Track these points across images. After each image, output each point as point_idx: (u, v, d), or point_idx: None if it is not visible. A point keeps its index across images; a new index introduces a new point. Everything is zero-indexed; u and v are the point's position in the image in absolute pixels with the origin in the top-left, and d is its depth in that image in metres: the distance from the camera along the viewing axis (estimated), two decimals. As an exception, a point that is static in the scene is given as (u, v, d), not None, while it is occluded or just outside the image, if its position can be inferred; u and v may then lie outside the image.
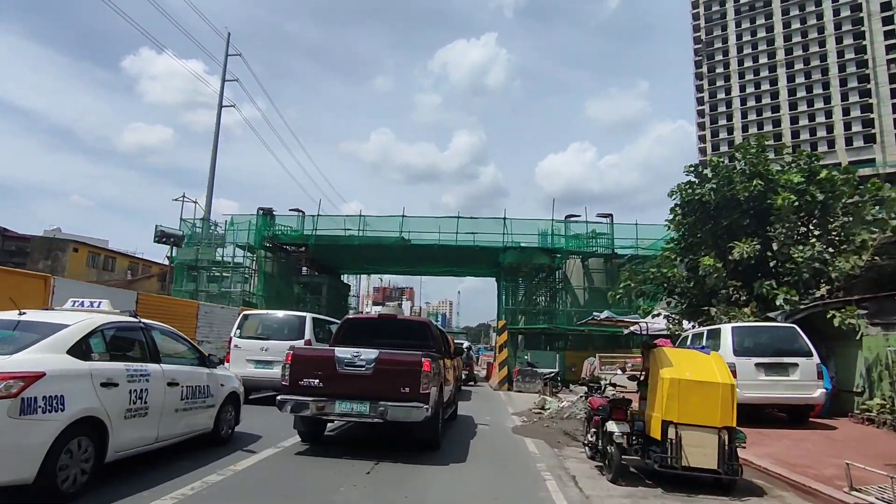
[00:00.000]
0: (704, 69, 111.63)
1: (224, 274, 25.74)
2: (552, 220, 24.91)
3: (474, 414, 12.52)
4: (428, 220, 25.68)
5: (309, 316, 12.22)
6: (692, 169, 14.51)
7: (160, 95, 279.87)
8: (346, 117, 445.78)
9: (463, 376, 23.49)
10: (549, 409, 13.09)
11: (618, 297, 15.28)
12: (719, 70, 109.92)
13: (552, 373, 20.34)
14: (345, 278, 35.90)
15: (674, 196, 14.38)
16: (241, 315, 12.44)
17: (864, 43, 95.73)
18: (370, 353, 7.44)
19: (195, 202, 25.91)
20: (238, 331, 12.06)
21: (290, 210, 26.99)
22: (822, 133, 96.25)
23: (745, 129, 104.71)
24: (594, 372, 22.59)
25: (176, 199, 25.19)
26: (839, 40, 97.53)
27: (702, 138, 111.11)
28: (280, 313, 12.90)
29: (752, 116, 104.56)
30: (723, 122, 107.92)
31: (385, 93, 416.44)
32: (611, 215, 26.20)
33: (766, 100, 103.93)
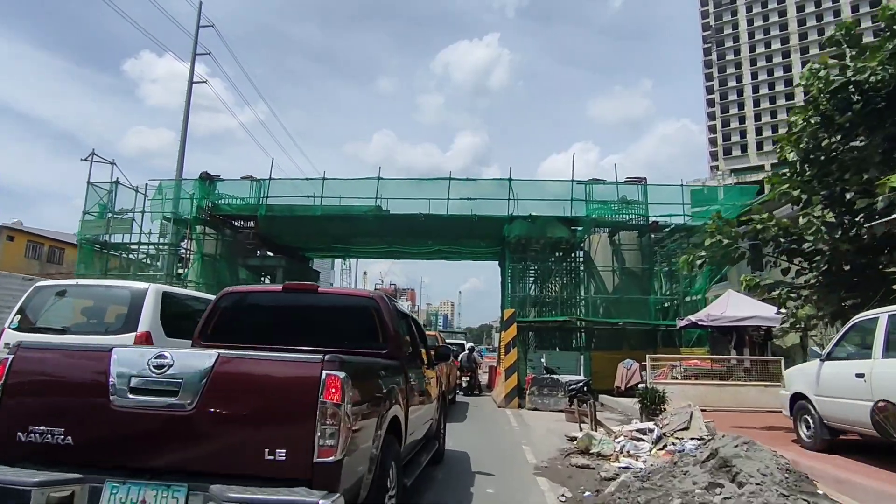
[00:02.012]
0: (714, 57, 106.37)
1: (149, 254, 20.14)
2: (572, 180, 19.20)
3: (469, 453, 7.21)
4: (410, 183, 20.00)
5: (154, 288, 6.51)
6: (844, 33, 8.80)
7: (162, 98, 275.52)
8: (348, 119, 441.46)
9: (464, 384, 17.92)
10: (597, 449, 7.37)
11: (697, 263, 9.56)
12: (729, 57, 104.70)
13: (580, 382, 14.60)
14: (321, 267, 30.19)
15: (808, 80, 8.67)
16: (32, 288, 6.68)
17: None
18: (195, 360, 3.11)
19: (112, 162, 20.13)
20: (18, 316, 6.35)
21: (243, 178, 21.31)
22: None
23: (757, 117, 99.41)
24: (632, 379, 16.87)
25: (85, 159, 19.53)
26: (857, 23, 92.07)
27: (712, 128, 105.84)
28: (101, 284, 7.36)
29: (765, 104, 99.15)
30: (734, 111, 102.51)
31: (387, 94, 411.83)
32: (644, 179, 20.47)
33: (781, 87, 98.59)
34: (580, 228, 19.18)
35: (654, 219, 18.85)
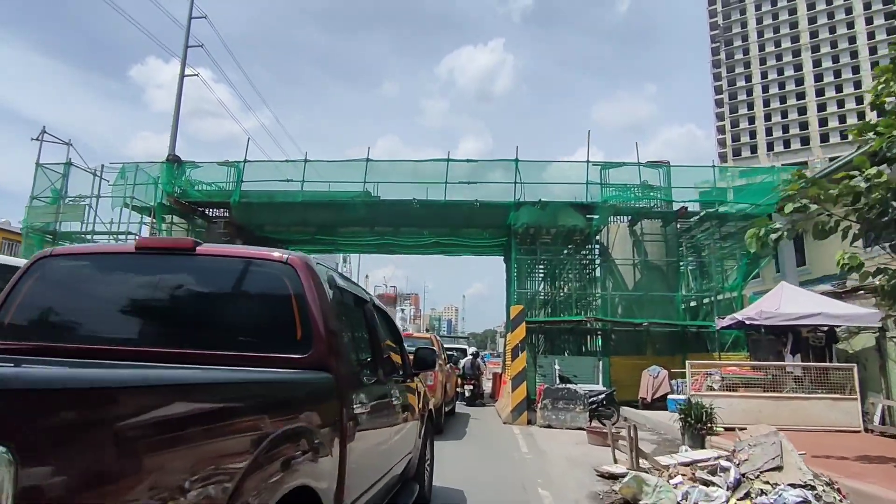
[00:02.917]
0: (722, 56, 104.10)
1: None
2: (587, 161, 16.84)
3: (466, 494, 5.79)
4: (404, 166, 17.67)
5: None
6: None
7: (168, 104, 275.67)
8: (353, 124, 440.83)
9: (467, 393, 16.05)
10: (651, 501, 4.98)
11: (772, 237, 7.17)
12: (738, 56, 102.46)
13: (601, 393, 12.20)
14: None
15: None
16: None
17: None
18: None
19: (68, 143, 17.85)
20: None
21: (218, 162, 19.04)
22: (852, 120, 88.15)
23: (767, 118, 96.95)
24: (660, 389, 14.46)
25: (35, 139, 17.29)
26: (869, 20, 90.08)
27: (720, 129, 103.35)
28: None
29: (774, 104, 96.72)
30: (743, 111, 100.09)
31: (392, 98, 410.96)
32: (667, 161, 18.10)
33: (791, 86, 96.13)
34: (596, 217, 16.78)
35: (682, 204, 16.44)
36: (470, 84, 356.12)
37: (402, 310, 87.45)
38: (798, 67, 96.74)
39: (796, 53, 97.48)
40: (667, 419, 12.19)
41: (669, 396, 14.12)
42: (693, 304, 17.37)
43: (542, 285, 18.88)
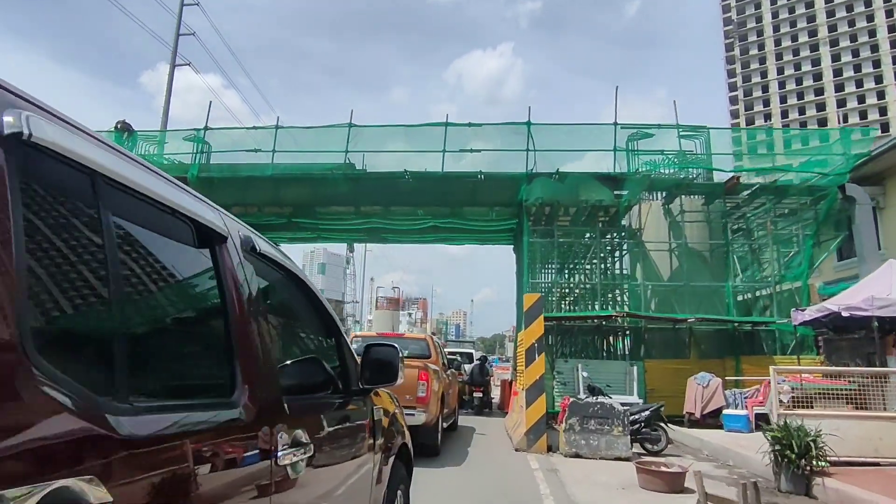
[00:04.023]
0: (736, 52, 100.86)
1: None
2: (615, 124, 13.88)
3: None
4: (394, 132, 14.77)
5: None
6: None
7: (178, 111, 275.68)
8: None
9: (476, 401, 14.38)
10: None
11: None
12: (753, 52, 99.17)
13: (646, 410, 9.23)
14: (296, 253, 25.03)
15: None
16: None
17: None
18: None
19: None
20: None
21: (181, 134, 16.25)
22: (874, 116, 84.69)
23: (784, 114, 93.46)
24: (711, 402, 11.48)
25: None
26: (889, 13, 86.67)
27: (734, 127, 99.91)
28: None
29: (791, 101, 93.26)
30: (759, 108, 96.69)
31: (400, 104, 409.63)
32: (704, 128, 15.12)
33: (808, 81, 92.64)
34: (625, 193, 13.81)
35: (731, 174, 13.43)
36: (479, 89, 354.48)
37: (410, 314, 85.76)
38: (816, 62, 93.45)
39: (814, 48, 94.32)
40: (730, 443, 9.22)
41: (725, 411, 11.15)
42: (740, 297, 14.33)
43: (559, 276, 15.82)
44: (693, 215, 14.24)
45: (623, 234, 14.74)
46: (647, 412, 9.05)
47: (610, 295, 15.29)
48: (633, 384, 12.19)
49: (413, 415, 6.82)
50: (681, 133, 14.28)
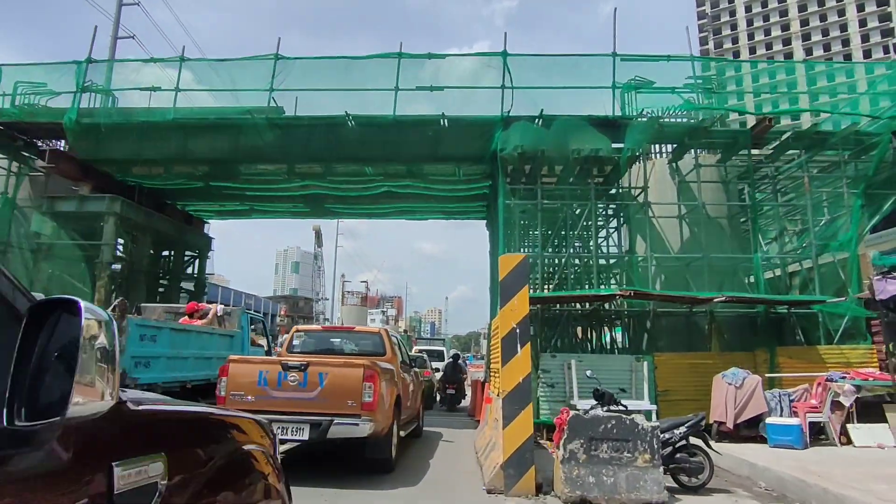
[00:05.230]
0: (711, 46, 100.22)
1: None
2: (613, 54, 10.98)
3: None
4: (332, 66, 11.53)
5: None
6: None
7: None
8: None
9: (448, 398, 13.98)
10: None
11: None
12: (727, 46, 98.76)
13: (678, 425, 6.26)
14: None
15: None
16: None
17: (889, 9, 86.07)
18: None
19: None
20: None
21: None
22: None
23: (759, 108, 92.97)
24: (748, 407, 8.65)
25: None
26: (860, 8, 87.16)
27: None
28: None
29: (766, 94, 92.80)
30: (733, 101, 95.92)
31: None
32: (726, 61, 12.35)
33: (781, 76, 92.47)
34: (626, 148, 10.85)
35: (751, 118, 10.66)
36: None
37: (384, 311, 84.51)
38: (789, 56, 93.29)
39: (787, 42, 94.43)
40: (793, 467, 6.39)
41: (768, 420, 8.33)
42: (768, 274, 11.59)
43: (543, 251, 12.69)
44: (708, 173, 11.44)
45: (621, 196, 11.82)
46: (682, 428, 6.09)
47: (604, 275, 12.35)
48: (642, 385, 9.30)
49: (356, 425, 5.65)
50: (695, 78, 11.45)
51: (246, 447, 1.94)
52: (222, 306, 8.92)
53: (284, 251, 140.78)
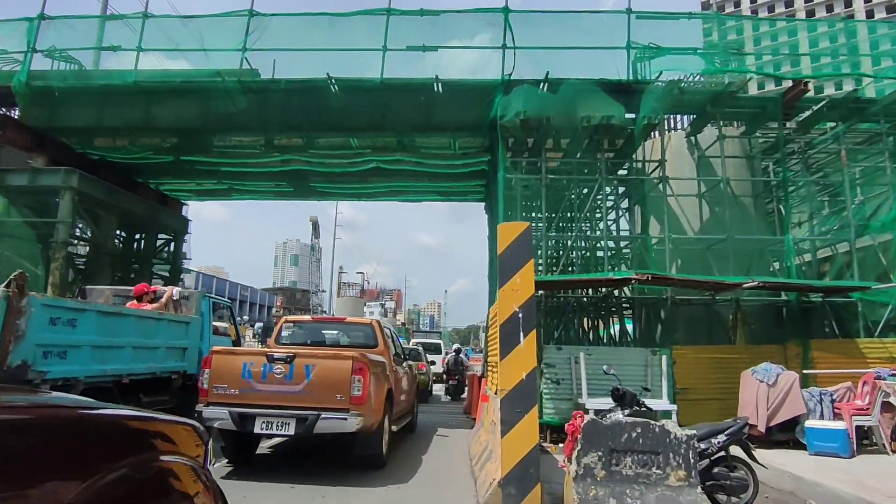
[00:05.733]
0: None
1: None
2: (628, 10, 9.78)
3: None
4: (313, 21, 10.30)
5: None
6: None
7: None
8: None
9: (451, 389, 14.81)
10: None
11: None
12: (729, 10, 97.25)
13: (716, 432, 5.15)
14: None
15: None
16: None
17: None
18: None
19: None
20: None
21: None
22: (848, 87, 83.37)
23: (779, 70, 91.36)
24: (783, 408, 7.56)
25: None
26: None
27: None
28: None
29: (802, 54, 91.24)
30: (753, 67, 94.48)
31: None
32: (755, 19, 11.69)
33: (786, 51, 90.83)
34: (643, 117, 9.64)
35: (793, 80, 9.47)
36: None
37: (383, 304, 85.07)
38: (792, 33, 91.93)
39: (789, 3, 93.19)
40: (846, 480, 5.34)
41: (808, 423, 7.26)
42: (798, 259, 10.47)
43: (547, 232, 11.40)
44: (730, 147, 10.28)
45: (635, 172, 10.65)
46: (721, 436, 5.00)
47: (615, 259, 11.21)
48: (659, 381, 8.23)
49: (345, 419, 5.42)
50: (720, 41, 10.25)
51: (166, 460, 1.63)
52: (178, 289, 7.82)
53: (284, 243, 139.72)
